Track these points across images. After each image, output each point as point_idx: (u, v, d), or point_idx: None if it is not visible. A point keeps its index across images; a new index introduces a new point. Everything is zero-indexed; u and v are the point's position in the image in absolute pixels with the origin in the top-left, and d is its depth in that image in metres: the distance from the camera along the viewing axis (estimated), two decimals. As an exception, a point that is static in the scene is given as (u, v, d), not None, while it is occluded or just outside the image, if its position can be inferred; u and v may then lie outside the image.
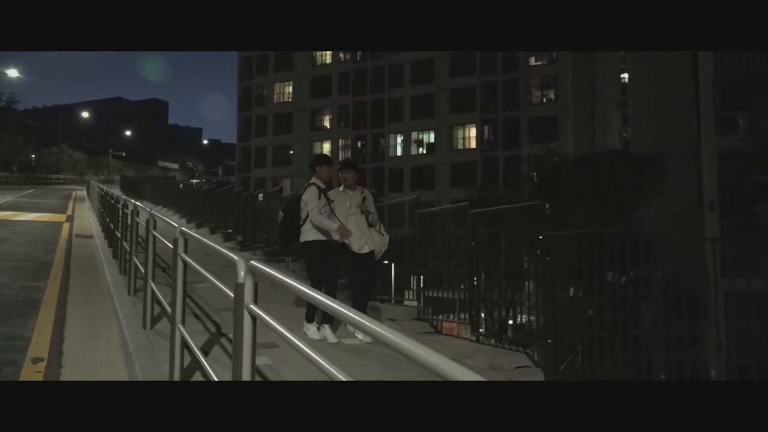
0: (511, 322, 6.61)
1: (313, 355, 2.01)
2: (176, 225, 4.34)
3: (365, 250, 5.95)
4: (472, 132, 49.72)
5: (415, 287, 8.00)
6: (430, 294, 7.46)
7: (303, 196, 5.91)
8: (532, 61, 48.38)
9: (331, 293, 5.51)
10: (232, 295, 2.70)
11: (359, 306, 5.52)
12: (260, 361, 4.67)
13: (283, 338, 2.26)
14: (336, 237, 5.77)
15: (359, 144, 54.29)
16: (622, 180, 21.01)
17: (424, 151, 51.61)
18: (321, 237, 5.84)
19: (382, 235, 6.14)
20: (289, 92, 58.20)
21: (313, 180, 6.00)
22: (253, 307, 2.54)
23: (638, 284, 5.15)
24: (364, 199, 6.00)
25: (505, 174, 42.86)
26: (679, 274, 5.77)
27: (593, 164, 24.04)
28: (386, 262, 8.85)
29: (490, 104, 48.42)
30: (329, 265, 5.88)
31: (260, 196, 12.42)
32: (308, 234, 5.87)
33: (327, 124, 56.64)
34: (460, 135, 50.24)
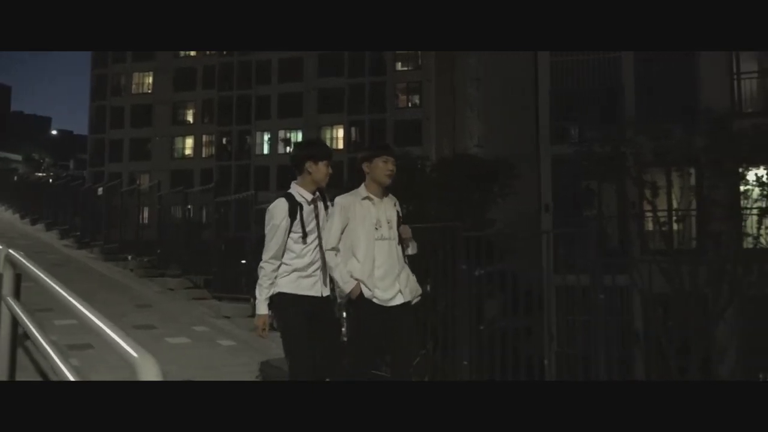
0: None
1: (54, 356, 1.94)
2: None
3: (397, 300, 3.48)
4: (340, 133, 50.14)
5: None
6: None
7: (273, 219, 3.46)
8: (399, 66, 49.81)
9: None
10: None
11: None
12: (70, 362, 4.40)
13: (30, 334, 2.16)
14: (344, 294, 3.48)
15: (224, 140, 52.74)
16: (477, 183, 22.19)
17: (291, 150, 51.19)
18: (307, 292, 3.49)
19: (410, 273, 3.67)
20: (149, 83, 55.16)
21: (296, 187, 3.58)
22: (9, 299, 2.41)
23: (482, 280, 5.43)
24: (398, 214, 3.63)
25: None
26: (518, 271, 6.21)
27: (451, 168, 25.23)
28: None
29: (358, 106, 49.13)
30: (327, 339, 3.56)
31: (99, 190, 11.68)
32: (285, 282, 3.48)
33: (190, 118, 54.38)
34: (328, 135, 50.43)
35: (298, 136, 50.92)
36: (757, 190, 12.92)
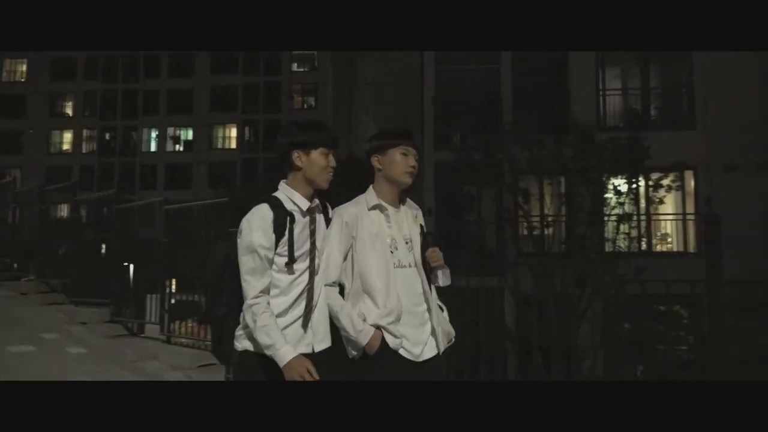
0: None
1: None
2: None
3: (429, 353, 2.57)
4: (233, 132, 48.90)
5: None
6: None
7: (250, 237, 2.39)
8: (295, 66, 49.38)
9: None
10: None
11: None
12: None
13: None
14: (358, 348, 2.48)
15: (107, 136, 49.81)
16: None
17: (181, 148, 49.32)
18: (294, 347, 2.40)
19: (441, 308, 2.71)
20: (22, 71, 51.04)
21: (286, 189, 2.53)
22: None
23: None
24: (422, 229, 2.70)
25: (265, 176, 42.93)
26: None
27: (344, 172, 25.41)
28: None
29: (252, 105, 48.14)
30: None
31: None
32: (247, 337, 2.43)
33: (69, 111, 50.86)
34: (221, 134, 49.06)
35: (188, 134, 49.13)
36: (615, 198, 13.98)
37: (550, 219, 15.24)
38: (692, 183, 15.71)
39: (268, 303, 2.38)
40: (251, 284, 2.37)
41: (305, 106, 49.00)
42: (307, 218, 2.51)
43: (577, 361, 14.46)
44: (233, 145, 48.67)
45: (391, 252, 2.54)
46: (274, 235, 2.38)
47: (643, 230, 15.27)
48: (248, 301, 2.37)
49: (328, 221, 2.58)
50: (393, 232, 2.57)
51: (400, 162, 2.59)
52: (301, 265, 2.45)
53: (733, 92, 14.68)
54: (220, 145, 48.97)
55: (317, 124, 2.58)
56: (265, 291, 2.39)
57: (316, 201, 2.55)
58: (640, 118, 16.30)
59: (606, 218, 14.01)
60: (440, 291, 2.75)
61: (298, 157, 2.47)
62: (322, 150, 2.48)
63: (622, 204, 13.81)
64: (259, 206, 2.43)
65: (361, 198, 2.62)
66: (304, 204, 2.49)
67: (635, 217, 14.62)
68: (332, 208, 2.64)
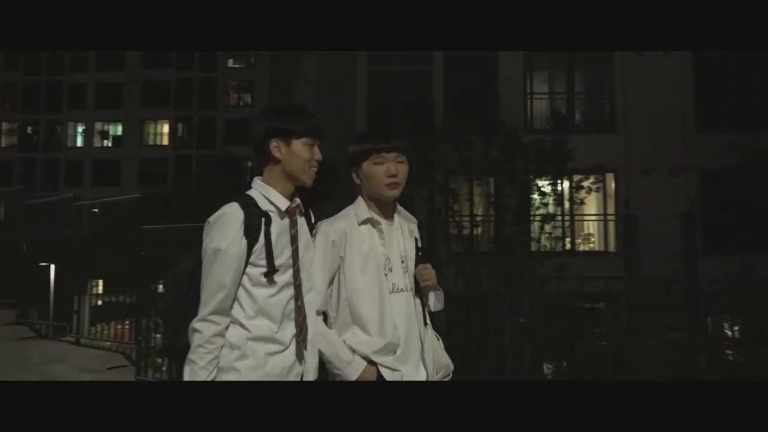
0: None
1: None
2: None
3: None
4: (165, 128, 47.56)
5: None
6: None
7: (216, 241, 1.99)
8: (231, 62, 48.50)
9: None
10: None
11: None
12: None
13: None
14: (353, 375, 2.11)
15: (29, 130, 47.45)
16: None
17: (110, 144, 47.56)
18: (282, 378, 2.02)
19: (437, 338, 2.38)
20: (-67, 59, 47.98)
21: (262, 186, 2.12)
22: None
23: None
24: (417, 245, 2.33)
25: (198, 173, 42.00)
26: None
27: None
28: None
29: (186, 101, 46.95)
30: None
31: None
32: (240, 364, 1.97)
33: (-12, 103, 48.21)
34: (152, 130, 47.62)
35: (117, 130, 47.43)
36: (539, 199, 14.42)
37: (479, 219, 15.57)
38: (613, 185, 16.39)
39: (220, 332, 1.95)
40: (206, 300, 1.94)
41: (241, 104, 48.22)
42: (287, 220, 2.08)
43: (503, 359, 14.84)
44: (165, 141, 47.34)
45: (385, 274, 2.15)
46: (245, 240, 1.96)
47: (567, 230, 15.83)
48: (195, 321, 1.94)
49: (311, 226, 2.19)
50: (387, 251, 2.18)
51: (375, 174, 2.17)
52: (282, 278, 2.02)
53: (651, 99, 15.42)
54: (151, 142, 47.54)
55: (300, 109, 2.17)
56: (220, 312, 1.95)
57: (297, 200, 2.13)
58: (565, 122, 16.87)
59: (531, 218, 14.42)
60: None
61: (276, 147, 2.07)
62: (306, 140, 2.09)
63: (546, 205, 14.25)
64: (229, 205, 2.02)
65: (349, 210, 2.22)
66: (283, 203, 2.07)
67: (559, 218, 15.13)
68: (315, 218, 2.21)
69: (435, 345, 2.28)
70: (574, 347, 7.52)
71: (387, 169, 2.16)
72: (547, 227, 14.29)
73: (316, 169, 2.11)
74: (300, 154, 2.07)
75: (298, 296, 2.05)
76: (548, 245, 14.52)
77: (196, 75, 47.11)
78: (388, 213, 2.24)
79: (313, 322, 2.09)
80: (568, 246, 15.83)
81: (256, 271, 1.99)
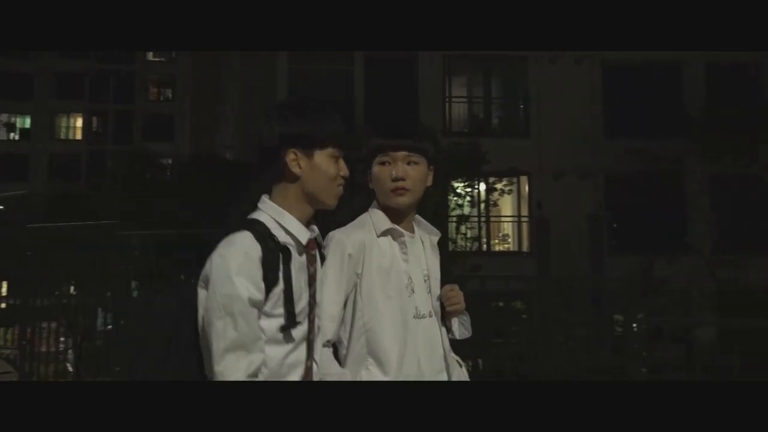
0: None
1: None
2: None
3: None
4: (78, 122, 45.35)
5: None
6: None
7: (229, 286, 1.47)
8: (151, 56, 46.83)
9: None
10: None
11: None
12: None
13: None
14: None
15: (-76, 121, 44.11)
16: (217, 184, 21.75)
17: (17, 137, 44.86)
18: None
19: (459, 364, 2.00)
20: None
21: (274, 210, 1.63)
22: None
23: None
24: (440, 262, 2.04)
25: (114, 169, 40.33)
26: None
27: (200, 168, 24.47)
28: None
29: (101, 94, 44.95)
30: None
31: None
32: None
33: None
34: (64, 124, 45.28)
35: (25, 122, 44.80)
36: (455, 200, 14.73)
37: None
38: (526, 187, 16.97)
39: (253, 372, 1.50)
40: (232, 367, 1.44)
41: (162, 98, 46.70)
42: (305, 256, 1.64)
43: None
44: (78, 135, 45.14)
45: (408, 296, 1.81)
46: (263, 284, 1.49)
47: (482, 231, 16.26)
48: (218, 372, 1.46)
49: (322, 258, 1.75)
50: (411, 269, 1.85)
51: (380, 177, 1.86)
52: (298, 332, 1.57)
53: (563, 105, 16.07)
54: (63, 136, 45.22)
55: (322, 109, 1.67)
56: (254, 376, 1.48)
57: (315, 229, 1.69)
58: (482, 126, 17.32)
59: (448, 219, 14.70)
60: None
61: (294, 161, 1.61)
62: (331, 151, 1.65)
63: (461, 206, 14.58)
64: (239, 234, 1.52)
65: (365, 219, 1.88)
66: (303, 235, 1.62)
67: (475, 219, 15.52)
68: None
69: (462, 376, 1.93)
70: (489, 345, 7.72)
71: (392, 172, 1.83)
72: (463, 228, 14.61)
73: (342, 187, 1.69)
74: (325, 168, 1.64)
75: (309, 356, 1.60)
76: (463, 245, 14.84)
77: (113, 67, 45.19)
78: (407, 224, 1.89)
79: (325, 361, 1.69)
80: (483, 246, 16.25)
81: (272, 325, 1.52)
